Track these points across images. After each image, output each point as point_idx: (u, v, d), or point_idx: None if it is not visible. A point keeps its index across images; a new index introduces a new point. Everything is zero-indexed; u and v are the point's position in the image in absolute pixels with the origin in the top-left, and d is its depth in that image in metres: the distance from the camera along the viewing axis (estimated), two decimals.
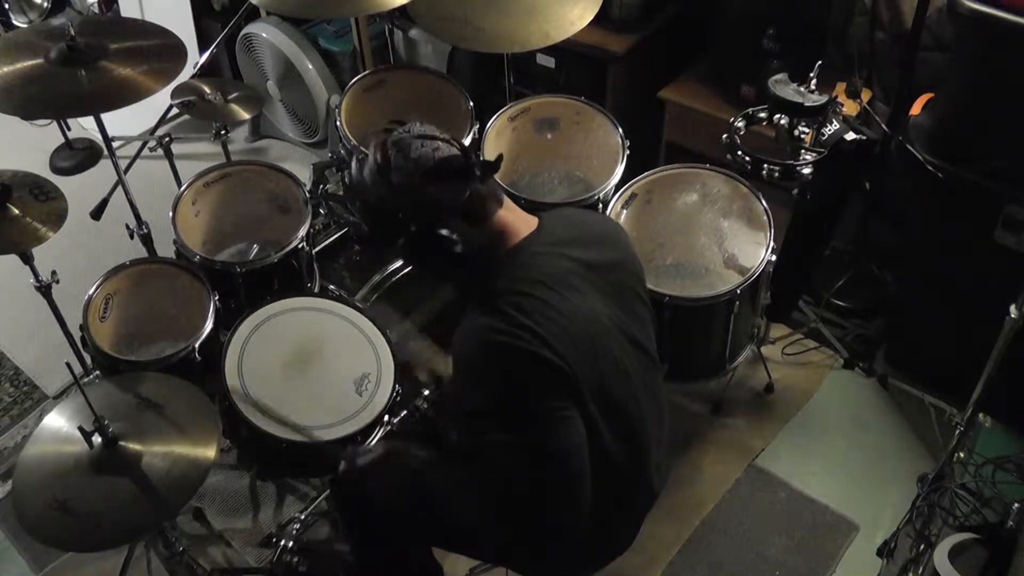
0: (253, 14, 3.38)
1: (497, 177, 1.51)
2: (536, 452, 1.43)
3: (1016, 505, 2.01)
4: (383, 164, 1.43)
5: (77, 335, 2.18)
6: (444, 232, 1.43)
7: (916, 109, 2.33)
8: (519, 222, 1.51)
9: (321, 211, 2.67)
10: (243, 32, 3.40)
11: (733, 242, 2.35)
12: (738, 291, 2.19)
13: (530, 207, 1.54)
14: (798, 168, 2.23)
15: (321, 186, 2.59)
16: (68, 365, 1.70)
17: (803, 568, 2.26)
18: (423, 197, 1.42)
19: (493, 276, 1.47)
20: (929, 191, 2.27)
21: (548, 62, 2.97)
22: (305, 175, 2.55)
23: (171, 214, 2.34)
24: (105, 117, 2.26)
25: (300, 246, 2.35)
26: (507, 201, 1.51)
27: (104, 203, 2.77)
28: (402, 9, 2.32)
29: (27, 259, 2.15)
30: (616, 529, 1.72)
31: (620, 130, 2.45)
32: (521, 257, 1.48)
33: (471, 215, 1.45)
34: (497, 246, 1.48)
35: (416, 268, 1.55)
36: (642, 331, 1.62)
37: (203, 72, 2.83)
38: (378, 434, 2.03)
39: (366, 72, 2.61)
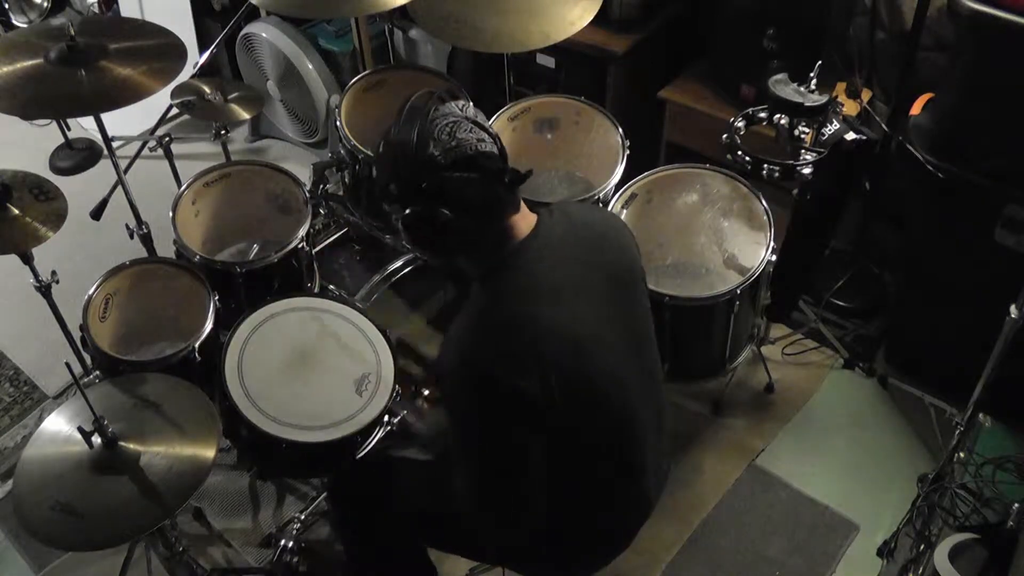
0: (253, 14, 3.38)
1: None
2: (481, 465, 1.47)
3: (1016, 505, 2.01)
4: (426, 130, 1.38)
5: (77, 335, 2.17)
6: (447, 217, 1.39)
7: (916, 109, 2.33)
8: (521, 220, 1.49)
9: (321, 211, 2.67)
10: (243, 32, 3.39)
11: (733, 242, 2.35)
12: (738, 291, 2.19)
13: (530, 207, 1.53)
14: (798, 168, 2.22)
15: (321, 186, 2.58)
16: (68, 365, 1.70)
17: (803, 568, 2.26)
18: (447, 179, 1.38)
19: (492, 281, 1.46)
20: (929, 191, 2.27)
21: (548, 62, 2.96)
22: (305, 175, 2.55)
23: (171, 214, 2.34)
24: (105, 117, 2.25)
25: (300, 246, 2.35)
26: (522, 205, 1.49)
27: (104, 203, 2.77)
28: (402, 9, 2.32)
29: (27, 259, 2.15)
30: (610, 536, 1.71)
31: (620, 130, 2.44)
32: (520, 261, 1.46)
33: (483, 215, 1.43)
34: (499, 246, 1.47)
35: (408, 242, 1.51)
36: (643, 333, 1.61)
37: (203, 72, 2.83)
38: (379, 434, 2.03)
39: (366, 72, 2.61)
